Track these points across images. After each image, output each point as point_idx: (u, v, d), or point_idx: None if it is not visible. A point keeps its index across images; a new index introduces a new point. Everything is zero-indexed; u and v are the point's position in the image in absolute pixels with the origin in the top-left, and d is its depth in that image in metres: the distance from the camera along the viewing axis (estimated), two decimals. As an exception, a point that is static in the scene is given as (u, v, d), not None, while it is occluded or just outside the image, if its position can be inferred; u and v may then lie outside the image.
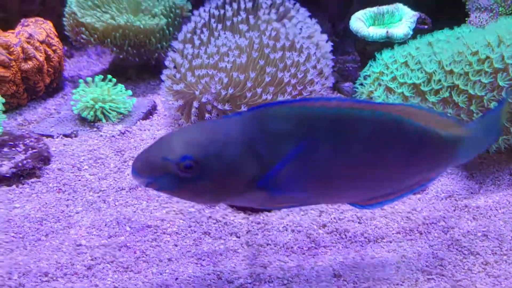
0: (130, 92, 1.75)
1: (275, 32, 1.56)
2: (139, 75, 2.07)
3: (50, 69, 1.84)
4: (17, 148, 1.47)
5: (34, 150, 1.46)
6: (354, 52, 1.99)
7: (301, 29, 1.59)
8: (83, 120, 1.70)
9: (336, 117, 0.90)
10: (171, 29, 1.95)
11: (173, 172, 0.86)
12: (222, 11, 1.65)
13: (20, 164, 1.40)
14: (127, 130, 1.65)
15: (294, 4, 1.69)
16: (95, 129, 1.66)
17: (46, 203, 1.32)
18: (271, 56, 1.51)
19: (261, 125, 0.89)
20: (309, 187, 0.94)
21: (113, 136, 1.62)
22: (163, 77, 1.68)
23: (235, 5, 1.66)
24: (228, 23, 1.62)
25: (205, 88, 1.52)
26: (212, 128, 0.92)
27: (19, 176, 1.40)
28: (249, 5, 1.66)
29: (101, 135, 1.62)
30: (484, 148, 1.14)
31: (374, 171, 0.96)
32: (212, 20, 1.64)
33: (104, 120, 1.67)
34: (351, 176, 0.95)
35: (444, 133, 0.98)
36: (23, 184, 1.40)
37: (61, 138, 1.63)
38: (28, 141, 1.51)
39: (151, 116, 1.77)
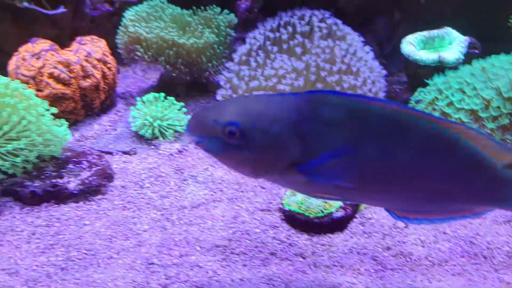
0: (185, 110, 1.79)
1: (330, 55, 1.60)
2: (187, 92, 2.11)
3: (105, 86, 1.89)
4: (82, 165, 1.52)
5: (98, 168, 1.51)
6: (398, 73, 2.02)
7: (355, 52, 1.63)
8: (140, 138, 1.74)
9: (392, 119, 0.90)
10: (221, 47, 2.00)
11: (219, 136, 0.89)
12: (277, 34, 1.69)
13: (86, 181, 1.45)
14: (184, 149, 1.69)
15: (348, 28, 1.73)
16: (152, 146, 1.71)
17: (114, 221, 1.36)
18: (328, 79, 1.54)
19: (314, 109, 0.90)
20: (349, 182, 0.93)
21: (171, 154, 1.66)
22: (218, 97, 1.73)
23: (290, 28, 1.70)
24: (285, 46, 1.66)
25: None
26: (266, 102, 0.93)
27: (86, 193, 1.45)
28: (304, 28, 1.70)
29: (159, 153, 1.67)
30: None
31: (418, 182, 0.95)
32: (268, 42, 1.69)
33: (161, 138, 1.71)
34: (394, 181, 0.94)
35: (504, 169, 0.94)
36: (89, 201, 1.45)
37: (120, 155, 1.67)
38: (91, 158, 1.56)
39: (204, 134, 1.81)
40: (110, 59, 1.94)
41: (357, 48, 1.67)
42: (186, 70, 1.96)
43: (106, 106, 1.96)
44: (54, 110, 1.50)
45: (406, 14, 2.00)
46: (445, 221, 1.02)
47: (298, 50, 1.63)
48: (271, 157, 0.91)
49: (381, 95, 1.64)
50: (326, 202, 1.33)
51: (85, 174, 1.48)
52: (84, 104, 1.84)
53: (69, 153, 1.56)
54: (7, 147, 1.40)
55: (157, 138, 1.72)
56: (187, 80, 2.04)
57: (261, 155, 0.90)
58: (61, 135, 1.51)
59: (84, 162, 1.53)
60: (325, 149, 0.90)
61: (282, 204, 1.38)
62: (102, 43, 1.97)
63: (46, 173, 1.48)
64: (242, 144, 0.88)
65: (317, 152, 0.90)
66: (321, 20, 1.72)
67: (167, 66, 1.94)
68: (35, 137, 1.42)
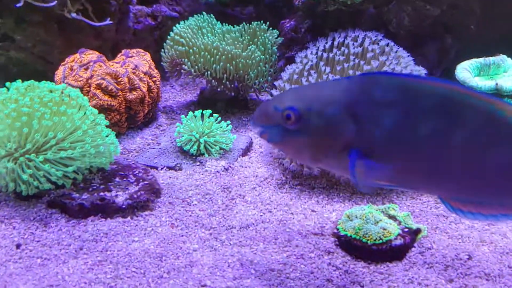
0: (230, 127, 1.76)
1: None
2: (227, 109, 2.09)
3: (149, 100, 1.87)
4: (128, 179, 1.49)
5: (145, 182, 1.47)
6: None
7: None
8: (184, 153, 1.71)
9: (445, 97, 0.88)
10: (267, 65, 1.98)
11: (280, 123, 0.95)
12: (330, 55, 1.66)
13: (135, 196, 1.42)
14: (230, 166, 1.66)
15: (402, 50, 1.70)
16: (198, 163, 1.67)
17: (164, 238, 1.32)
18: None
19: (366, 90, 0.92)
20: (401, 164, 0.93)
21: (217, 171, 1.63)
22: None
23: (344, 49, 1.67)
24: (338, 68, 1.62)
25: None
26: (320, 87, 0.99)
27: (134, 208, 1.41)
28: (358, 50, 1.67)
29: (206, 170, 1.63)
30: None
31: (473, 166, 0.92)
32: (321, 63, 1.66)
33: (206, 155, 1.68)
34: (445, 163, 0.93)
35: None
36: (137, 216, 1.41)
37: (166, 170, 1.64)
38: (137, 172, 1.52)
39: (249, 153, 1.78)
40: (155, 72, 1.92)
41: (411, 71, 1.64)
42: (231, 86, 1.94)
43: (148, 120, 1.94)
44: (106, 122, 1.47)
45: (456, 39, 1.97)
46: (499, 219, 0.97)
47: (352, 72, 1.59)
48: (328, 139, 0.94)
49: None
50: (385, 229, 1.28)
51: (133, 189, 1.44)
52: (128, 116, 1.82)
53: (115, 166, 1.53)
54: (60, 153, 1.37)
55: (202, 154, 1.68)
56: (230, 96, 2.02)
57: (318, 138, 0.94)
58: (111, 148, 1.48)
59: (130, 176, 1.50)
60: (378, 130, 0.91)
61: (337, 229, 1.33)
62: (148, 57, 1.95)
63: (94, 186, 1.45)
64: (300, 128, 0.94)
65: (370, 131, 0.92)
66: (374, 42, 1.69)
67: (213, 81, 1.92)
68: (89, 148, 1.39)
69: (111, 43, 2.24)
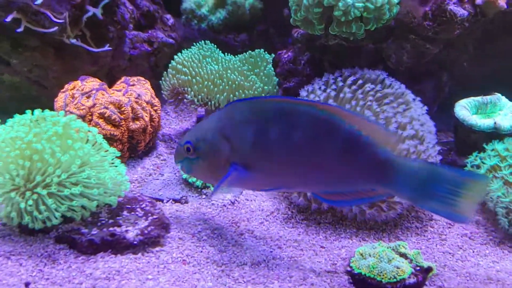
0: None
1: (405, 118, 1.60)
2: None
3: (151, 129, 1.86)
4: (136, 213, 1.46)
5: (155, 217, 1.45)
6: (441, 134, 2.03)
7: (418, 117, 1.63)
8: (189, 185, 1.70)
9: (280, 109, 1.15)
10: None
11: (186, 156, 1.29)
12: (341, 95, 1.68)
13: (145, 232, 1.39)
14: (236, 200, 1.65)
15: (406, 89, 1.74)
16: (203, 196, 1.66)
17: (178, 276, 1.30)
18: (402, 146, 1.54)
19: (229, 115, 1.22)
20: (267, 168, 1.19)
21: (224, 205, 1.62)
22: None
23: (354, 87, 1.69)
24: (347, 106, 1.65)
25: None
26: (205, 121, 1.30)
27: (145, 244, 1.39)
28: (367, 88, 1.70)
29: (212, 204, 1.62)
30: (427, 207, 1.14)
31: (314, 162, 1.15)
32: (330, 100, 1.67)
33: (212, 188, 1.67)
34: (297, 163, 1.16)
35: (384, 150, 1.09)
36: (148, 252, 1.38)
37: (171, 203, 1.62)
38: (144, 205, 1.50)
39: (252, 185, 1.78)
40: (156, 101, 1.91)
41: (420, 114, 1.67)
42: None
43: (148, 149, 1.92)
44: (118, 153, 1.45)
45: (450, 75, 2.03)
46: (358, 202, 1.23)
47: (367, 112, 1.62)
48: (214, 159, 1.24)
49: (438, 158, 1.63)
50: (398, 268, 1.30)
51: (143, 224, 1.42)
52: (129, 146, 1.79)
53: (120, 199, 1.50)
54: (72, 189, 1.34)
55: (207, 187, 1.67)
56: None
57: (208, 159, 1.26)
58: (121, 184, 1.46)
59: (138, 209, 1.48)
60: (243, 144, 1.19)
61: (350, 266, 1.34)
62: (148, 85, 1.94)
63: (102, 220, 1.42)
64: (198, 155, 1.27)
65: (240, 147, 1.20)
66: (381, 81, 1.72)
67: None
68: (96, 192, 1.37)
69: (107, 69, 2.21)
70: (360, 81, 1.72)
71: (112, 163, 1.46)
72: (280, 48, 2.33)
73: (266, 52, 2.19)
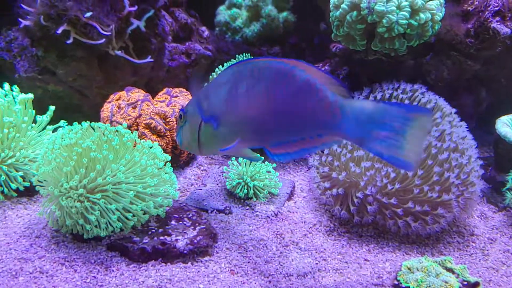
0: (277, 173, 1.78)
1: (439, 132, 1.61)
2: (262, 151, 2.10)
3: (193, 140, 1.89)
4: (184, 222, 1.49)
5: (202, 227, 1.48)
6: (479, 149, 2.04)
7: (458, 131, 1.64)
8: (232, 195, 1.72)
9: (253, 66, 1.23)
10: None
11: (180, 125, 1.42)
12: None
13: (195, 241, 1.42)
14: (279, 211, 1.67)
15: (447, 104, 1.75)
16: (247, 207, 1.68)
17: (228, 286, 1.32)
18: (439, 157, 1.55)
19: (212, 81, 1.35)
20: (235, 120, 1.27)
21: (268, 216, 1.64)
22: (311, 161, 1.72)
23: (394, 101, 1.71)
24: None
25: (370, 180, 1.55)
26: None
27: (194, 253, 1.42)
28: (408, 102, 1.72)
29: (256, 215, 1.64)
30: (370, 149, 1.12)
31: (272, 107, 1.20)
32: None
33: (254, 198, 1.70)
34: (259, 116, 1.23)
35: (330, 92, 1.14)
36: (197, 262, 1.41)
37: (216, 213, 1.65)
38: (190, 215, 1.53)
39: (293, 197, 1.80)
40: (198, 112, 1.94)
41: (455, 122, 1.69)
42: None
43: (189, 159, 1.95)
44: (169, 169, 1.48)
45: (489, 91, 2.04)
46: (301, 154, 1.23)
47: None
48: (194, 117, 1.35)
49: (480, 171, 1.64)
50: (446, 283, 1.31)
51: (191, 233, 1.44)
52: (172, 156, 1.82)
53: (167, 208, 1.54)
54: (129, 199, 1.37)
55: (250, 198, 1.70)
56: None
57: (191, 122, 1.37)
58: (171, 194, 1.49)
59: (185, 219, 1.51)
60: (217, 101, 1.29)
61: (398, 280, 1.35)
62: (190, 96, 1.97)
63: (152, 229, 1.45)
64: (185, 120, 1.40)
65: (213, 105, 1.31)
66: (422, 94, 1.74)
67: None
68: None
69: (146, 79, 2.25)
70: (399, 95, 1.74)
71: (166, 173, 1.49)
72: (312, 60, 2.37)
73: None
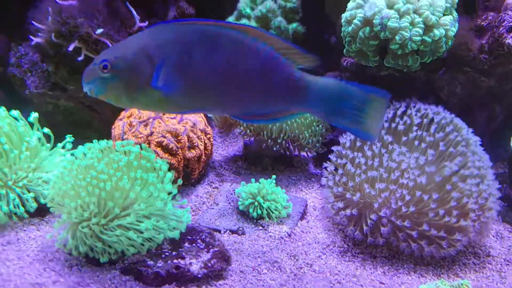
0: (288, 197, 1.76)
1: (459, 156, 1.59)
2: (274, 166, 2.10)
3: (204, 157, 1.88)
4: (197, 244, 1.48)
5: (216, 249, 1.46)
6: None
7: (474, 151, 1.62)
8: (244, 215, 1.71)
9: (205, 32, 1.17)
10: (320, 125, 2.00)
11: (99, 75, 1.20)
12: (393, 125, 1.69)
13: (209, 265, 1.41)
14: (292, 232, 1.66)
15: (461, 122, 1.73)
16: (260, 227, 1.67)
17: (244, 312, 1.31)
18: (455, 179, 1.53)
19: (153, 35, 1.20)
20: (190, 90, 1.19)
21: (281, 237, 1.63)
22: (325, 180, 1.71)
23: (407, 119, 1.70)
24: (404, 138, 1.65)
25: (384, 202, 1.54)
26: (123, 41, 1.26)
27: (209, 277, 1.40)
28: (420, 120, 1.70)
29: (270, 236, 1.63)
30: (334, 122, 1.24)
31: (236, 82, 1.19)
32: (383, 131, 1.68)
33: (267, 219, 1.68)
34: (218, 84, 1.19)
35: (295, 67, 1.17)
36: (211, 285, 1.40)
37: (228, 233, 1.64)
38: (204, 236, 1.51)
39: (305, 216, 1.79)
40: (209, 129, 1.93)
41: (471, 142, 1.67)
42: (286, 145, 1.96)
43: (200, 176, 1.94)
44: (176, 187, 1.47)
45: (504, 106, 2.02)
46: (267, 122, 1.32)
47: (417, 143, 1.63)
48: (134, 76, 1.19)
49: (498, 194, 1.62)
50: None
51: (205, 256, 1.43)
52: (184, 174, 1.82)
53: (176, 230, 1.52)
54: (146, 223, 1.36)
55: (263, 218, 1.69)
56: (278, 152, 2.03)
57: (127, 77, 1.20)
58: (185, 218, 1.48)
59: (198, 240, 1.49)
60: (167, 65, 1.18)
61: (414, 306, 1.34)
62: (201, 113, 1.96)
63: (165, 252, 1.44)
64: (114, 74, 1.19)
65: (162, 66, 1.18)
66: (436, 113, 1.72)
67: (269, 141, 1.93)
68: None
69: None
70: (412, 113, 1.72)
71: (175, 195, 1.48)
72: (322, 72, 2.36)
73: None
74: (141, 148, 1.48)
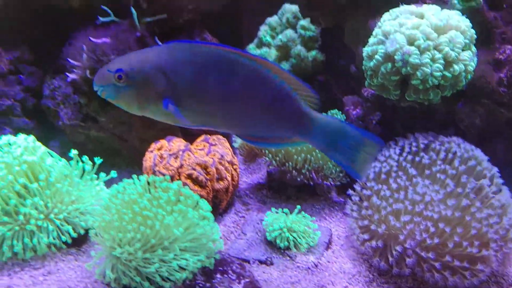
0: (316, 225, 1.82)
1: (477, 185, 1.64)
2: (298, 195, 2.15)
3: (232, 188, 1.94)
4: (229, 275, 1.54)
5: (247, 280, 1.52)
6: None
7: (498, 186, 1.68)
8: (272, 245, 1.77)
9: (223, 56, 1.25)
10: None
11: (113, 82, 1.24)
12: (417, 158, 1.74)
13: (242, 297, 1.47)
14: (319, 262, 1.72)
15: (482, 155, 1.79)
16: (287, 257, 1.73)
17: None
18: (478, 215, 1.58)
19: (171, 52, 1.27)
20: (201, 109, 1.27)
21: (308, 268, 1.68)
22: (349, 212, 1.77)
23: (431, 153, 1.75)
24: (427, 172, 1.71)
25: (409, 234, 1.59)
26: (140, 53, 1.31)
27: (241, 309, 1.46)
28: (444, 154, 1.75)
29: (297, 266, 1.69)
30: (333, 158, 1.35)
31: (248, 108, 1.28)
32: (407, 165, 1.74)
33: (294, 249, 1.74)
34: (233, 107, 1.27)
35: (303, 103, 1.29)
36: (244, 317, 1.45)
37: (257, 264, 1.70)
38: (234, 267, 1.57)
39: (331, 246, 1.84)
40: (235, 160, 2.00)
41: (491, 173, 1.72)
42: (310, 175, 2.02)
43: (227, 206, 2.00)
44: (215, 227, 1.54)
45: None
46: (269, 146, 1.51)
47: (442, 177, 1.68)
48: (148, 89, 1.25)
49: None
50: None
51: (237, 287, 1.49)
52: (212, 205, 1.88)
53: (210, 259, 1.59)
54: (186, 256, 1.43)
55: (290, 248, 1.74)
56: (301, 182, 2.09)
57: (141, 89, 1.25)
58: (218, 246, 1.55)
59: (230, 272, 1.55)
60: (181, 82, 1.24)
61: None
62: (227, 143, 2.04)
63: (199, 283, 1.50)
64: (128, 84, 1.24)
65: (176, 84, 1.25)
66: (459, 146, 1.78)
67: (294, 172, 2.00)
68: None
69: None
70: (436, 147, 1.78)
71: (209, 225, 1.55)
72: (340, 98, 2.44)
73: (336, 111, 2.26)
74: (171, 180, 1.55)
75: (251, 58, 1.26)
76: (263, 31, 2.87)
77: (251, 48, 2.85)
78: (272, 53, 2.82)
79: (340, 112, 2.28)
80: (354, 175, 1.36)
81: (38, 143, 1.75)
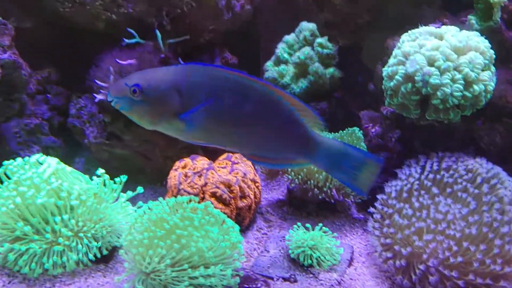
0: (338, 242, 1.85)
1: (499, 204, 1.66)
2: (318, 211, 2.18)
3: (254, 205, 1.98)
4: (255, 293, 1.57)
5: (273, 298, 1.56)
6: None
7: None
8: (295, 263, 1.79)
9: (237, 81, 1.32)
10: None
11: (128, 96, 1.30)
12: (438, 176, 1.77)
13: (268, 314, 1.50)
14: (342, 279, 1.74)
15: (506, 175, 1.81)
16: (310, 275, 1.75)
17: None
18: (502, 230, 1.60)
19: (188, 73, 1.33)
20: (212, 128, 1.33)
21: (332, 285, 1.71)
22: (371, 230, 1.79)
23: (452, 172, 1.78)
24: (449, 190, 1.73)
25: (432, 253, 1.61)
26: (158, 71, 1.37)
27: (268, 326, 1.49)
28: (467, 175, 1.78)
29: (321, 283, 1.71)
30: (336, 176, 1.47)
31: (258, 129, 1.36)
32: (429, 183, 1.76)
33: (317, 267, 1.76)
34: (244, 127, 1.35)
35: (308, 125, 1.37)
36: (271, 334, 1.48)
37: (281, 281, 1.72)
38: (259, 284, 1.61)
39: (353, 263, 1.86)
40: (257, 178, 2.04)
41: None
42: (331, 193, 2.05)
43: (250, 223, 2.04)
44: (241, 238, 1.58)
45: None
46: (272, 167, 1.62)
47: (463, 195, 1.70)
48: (162, 106, 1.31)
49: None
50: None
51: (263, 305, 1.52)
52: (236, 222, 1.91)
53: (236, 277, 1.62)
54: (211, 279, 1.47)
55: (313, 266, 1.77)
56: (322, 199, 2.12)
57: (155, 106, 1.31)
58: (239, 265, 1.58)
59: (255, 289, 1.59)
60: (194, 102, 1.30)
61: None
62: (249, 162, 2.08)
63: (226, 301, 1.53)
64: (143, 99, 1.30)
65: (190, 102, 1.31)
66: (480, 165, 1.80)
67: (316, 190, 2.03)
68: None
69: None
70: (457, 165, 1.80)
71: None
72: (357, 114, 2.47)
73: (356, 129, 2.29)
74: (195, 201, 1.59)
75: (263, 84, 1.34)
76: (281, 48, 2.91)
77: (269, 65, 2.89)
78: (290, 70, 2.86)
79: (358, 128, 2.31)
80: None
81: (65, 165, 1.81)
